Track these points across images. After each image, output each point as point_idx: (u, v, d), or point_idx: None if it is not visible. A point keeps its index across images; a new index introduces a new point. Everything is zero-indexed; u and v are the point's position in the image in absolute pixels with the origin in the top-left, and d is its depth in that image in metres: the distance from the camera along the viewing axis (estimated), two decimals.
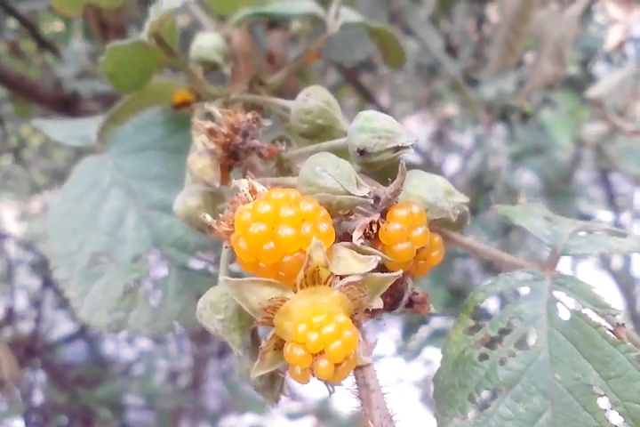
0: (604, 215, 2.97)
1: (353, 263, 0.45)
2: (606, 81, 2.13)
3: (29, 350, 2.76)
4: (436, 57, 2.30)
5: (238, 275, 0.51)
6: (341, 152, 0.52)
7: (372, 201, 0.47)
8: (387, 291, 0.51)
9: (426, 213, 0.51)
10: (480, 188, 2.78)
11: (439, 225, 0.59)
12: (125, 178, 0.75)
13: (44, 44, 1.91)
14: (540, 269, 0.56)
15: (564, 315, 0.53)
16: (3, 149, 2.74)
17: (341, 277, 0.45)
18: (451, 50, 2.51)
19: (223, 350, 3.34)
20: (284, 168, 0.59)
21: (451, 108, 3.42)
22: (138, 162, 0.76)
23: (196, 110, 0.67)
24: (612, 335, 0.50)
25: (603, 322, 0.51)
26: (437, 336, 2.74)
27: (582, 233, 0.59)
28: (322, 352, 0.41)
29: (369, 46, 1.32)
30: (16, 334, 2.75)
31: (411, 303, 0.52)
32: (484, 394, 0.51)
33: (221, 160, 0.57)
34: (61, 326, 3.23)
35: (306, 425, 2.90)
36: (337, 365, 0.41)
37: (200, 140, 0.58)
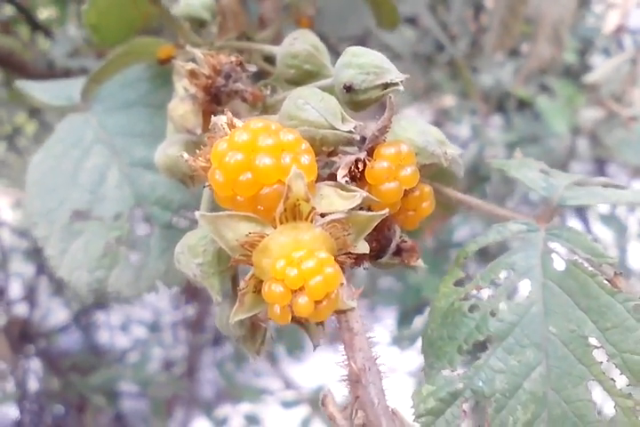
0: (601, 206, 2.96)
1: (336, 201, 0.43)
2: (603, 67, 2.11)
3: (23, 337, 2.75)
4: (435, 41, 2.28)
5: None
6: (329, 93, 0.50)
7: (357, 137, 0.44)
8: (373, 236, 0.49)
9: (416, 158, 0.48)
10: (476, 178, 2.76)
11: (431, 177, 0.57)
12: (109, 135, 0.72)
13: (38, 28, 1.89)
14: (534, 220, 0.54)
15: (559, 266, 0.51)
16: None
17: (324, 216, 0.42)
18: (449, 39, 2.48)
19: (218, 339, 3.32)
20: (269, 115, 0.56)
21: (448, 99, 3.40)
22: (122, 119, 0.73)
23: (179, 56, 0.64)
24: (609, 285, 0.48)
25: (599, 272, 0.49)
26: None
27: (579, 186, 0.56)
28: (302, 289, 0.39)
29: (363, 20, 1.30)
30: (10, 321, 2.73)
31: (399, 251, 0.50)
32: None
33: (203, 105, 0.54)
34: (56, 315, 3.21)
35: (301, 413, 2.88)
36: (317, 302, 0.39)
37: (181, 85, 0.56)
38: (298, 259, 0.39)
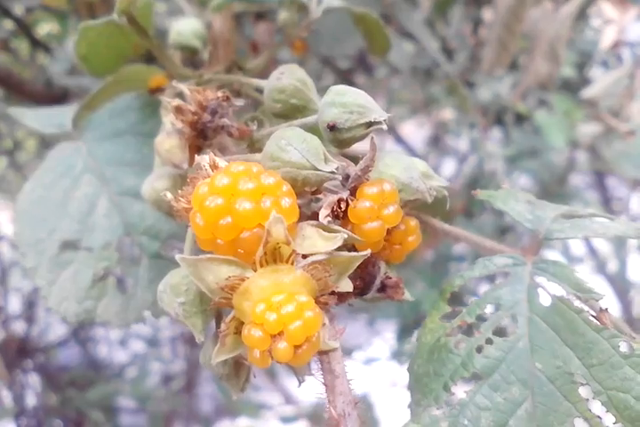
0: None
1: (318, 242, 0.43)
2: (601, 81, 2.12)
3: (21, 352, 2.74)
4: (432, 57, 2.29)
5: None
6: (314, 130, 0.50)
7: (340, 177, 0.44)
8: (357, 274, 0.49)
9: (400, 194, 0.48)
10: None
11: (417, 209, 0.57)
12: (99, 164, 0.72)
13: (38, 44, 1.90)
14: (521, 254, 0.54)
15: (546, 301, 0.50)
16: None
17: (305, 257, 0.42)
18: (447, 53, 2.50)
19: None
20: (256, 149, 0.56)
21: (447, 113, 3.42)
22: (112, 148, 0.73)
23: (167, 91, 0.64)
24: (595, 321, 0.48)
25: (586, 308, 0.48)
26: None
27: (565, 218, 0.56)
28: (281, 333, 0.38)
29: (358, 40, 1.30)
30: (8, 336, 2.72)
31: (383, 288, 0.50)
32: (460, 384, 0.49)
33: (190, 140, 0.54)
34: (55, 330, 3.20)
35: None
36: (297, 347, 0.39)
37: (168, 120, 0.56)
38: (277, 303, 0.39)
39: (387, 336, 3.04)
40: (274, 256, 0.40)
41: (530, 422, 0.47)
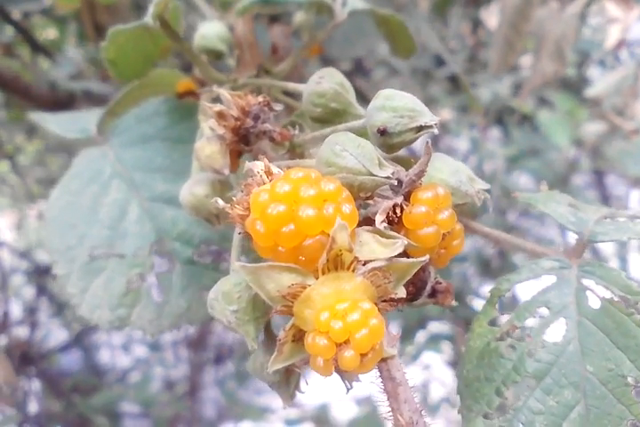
0: None
1: (377, 248, 0.42)
2: (605, 80, 2.13)
3: (24, 358, 2.72)
4: (433, 57, 2.29)
5: None
6: (360, 135, 0.49)
7: (395, 182, 0.44)
8: (409, 279, 0.48)
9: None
10: None
11: (458, 213, 0.57)
12: (127, 170, 0.72)
13: (39, 49, 1.89)
14: (566, 256, 0.53)
15: (594, 304, 0.50)
16: None
17: (364, 263, 0.42)
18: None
19: (220, 358, 3.30)
20: (297, 154, 0.56)
21: (446, 113, 3.42)
22: (140, 153, 0.73)
23: (204, 95, 0.64)
24: None
25: (636, 310, 0.48)
26: (435, 341, 2.71)
27: (608, 220, 0.56)
28: (347, 342, 0.38)
29: (370, 41, 1.30)
30: (11, 342, 2.70)
31: (434, 293, 0.50)
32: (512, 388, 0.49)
33: (231, 146, 0.54)
34: (57, 335, 3.18)
35: None
36: (363, 355, 0.38)
37: (208, 125, 0.55)
38: (342, 311, 0.38)
39: None
40: (335, 263, 0.40)
41: (583, 425, 0.47)
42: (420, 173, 0.45)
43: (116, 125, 0.76)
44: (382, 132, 0.46)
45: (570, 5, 1.70)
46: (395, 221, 0.45)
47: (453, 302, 0.52)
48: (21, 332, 2.89)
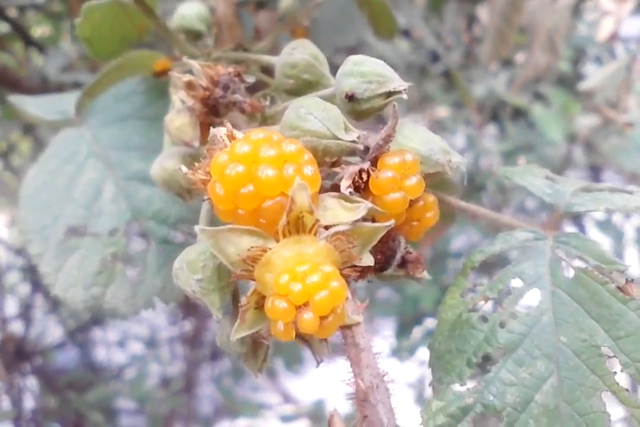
0: (597, 213, 2.97)
1: (340, 212, 0.41)
2: (598, 74, 2.12)
3: (19, 355, 2.71)
4: (428, 52, 2.28)
5: None
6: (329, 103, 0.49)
7: (361, 146, 0.43)
8: (378, 248, 0.48)
9: (420, 167, 0.47)
10: (472, 187, 2.76)
11: (434, 187, 0.56)
12: (104, 149, 0.71)
13: (32, 44, 1.89)
14: (542, 228, 0.53)
15: (569, 274, 0.49)
16: None
17: (328, 228, 0.41)
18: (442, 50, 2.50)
19: (216, 354, 3.29)
20: (268, 126, 0.55)
21: (442, 110, 3.42)
22: (117, 132, 0.72)
23: (176, 69, 0.63)
24: (621, 292, 0.47)
25: (610, 279, 0.48)
26: (431, 337, 2.70)
27: (586, 191, 0.55)
28: (306, 304, 0.37)
29: (358, 29, 1.29)
30: (5, 339, 2.70)
31: (404, 263, 0.49)
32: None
33: (201, 117, 0.53)
34: (52, 332, 3.17)
35: None
36: (323, 318, 0.37)
37: (178, 97, 0.54)
38: (302, 273, 0.37)
39: (386, 334, 3.03)
40: (297, 226, 0.39)
41: (556, 396, 0.46)
42: (387, 138, 0.44)
43: (93, 106, 0.75)
44: (350, 98, 0.46)
45: None
46: (361, 188, 0.44)
47: (425, 275, 0.51)
48: (16, 328, 2.88)
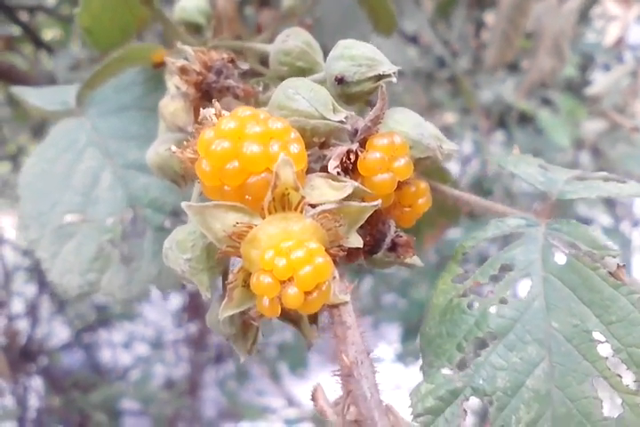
0: (604, 220, 2.95)
1: (327, 191, 0.41)
2: (605, 79, 2.11)
3: (25, 355, 2.72)
4: (436, 58, 2.29)
5: None
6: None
7: (349, 127, 0.43)
8: (367, 230, 0.48)
9: (410, 151, 0.47)
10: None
11: (428, 175, 0.56)
12: (103, 138, 0.72)
13: (42, 46, 1.91)
14: (535, 215, 0.52)
15: (561, 260, 0.49)
16: (1, 156, 2.73)
17: (315, 207, 0.41)
18: (450, 55, 2.50)
19: (221, 357, 3.29)
20: None
21: (450, 116, 3.42)
22: (116, 122, 0.73)
23: (172, 55, 0.64)
24: (613, 278, 0.46)
25: (602, 265, 0.47)
26: None
27: (579, 180, 0.55)
28: (291, 279, 0.37)
29: (363, 29, 1.30)
30: (11, 339, 2.71)
31: (394, 247, 0.48)
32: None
33: (194, 102, 0.54)
34: (59, 333, 3.19)
35: None
36: (307, 293, 0.37)
37: (173, 83, 0.55)
38: (287, 249, 0.37)
39: (391, 339, 3.02)
40: (282, 203, 0.39)
41: (547, 382, 0.46)
42: (376, 120, 0.44)
43: (93, 96, 0.75)
44: (340, 81, 0.46)
45: (568, 1, 1.69)
46: (350, 169, 0.44)
47: (415, 260, 0.51)
48: (23, 329, 2.89)
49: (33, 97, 0.80)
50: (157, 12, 0.66)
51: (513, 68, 2.61)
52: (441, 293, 0.50)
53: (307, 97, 0.43)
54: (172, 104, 0.54)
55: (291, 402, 3.15)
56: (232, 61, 0.54)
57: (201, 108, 0.45)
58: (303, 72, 0.55)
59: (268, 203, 0.39)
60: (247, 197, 0.40)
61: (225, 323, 0.45)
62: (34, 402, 2.84)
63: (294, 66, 0.55)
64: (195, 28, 0.74)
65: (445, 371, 0.47)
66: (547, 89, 2.48)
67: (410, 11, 1.80)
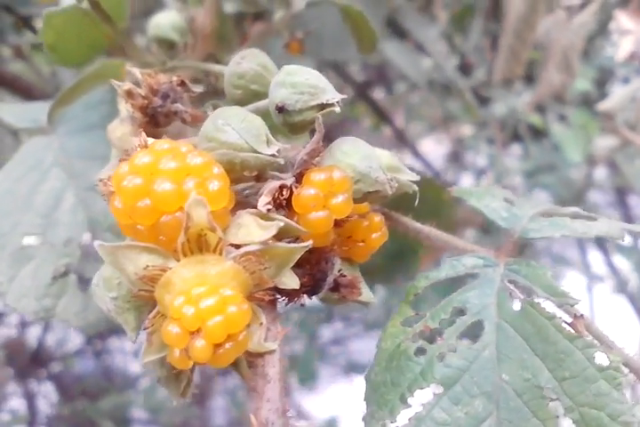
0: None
1: (254, 231, 0.39)
2: (617, 94, 2.05)
3: (34, 361, 2.73)
4: (447, 73, 2.25)
5: None
6: (268, 115, 0.46)
7: (281, 161, 0.40)
8: (307, 270, 0.45)
9: (358, 185, 0.44)
10: None
11: (383, 204, 0.53)
12: (69, 158, 0.70)
13: None
14: (494, 255, 0.49)
15: (516, 306, 0.45)
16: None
17: (239, 248, 0.38)
18: (465, 67, 2.46)
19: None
20: None
21: (465, 129, 3.38)
22: (84, 141, 0.71)
23: (126, 77, 0.62)
24: (569, 328, 0.43)
25: (558, 314, 0.43)
26: None
27: (546, 216, 0.51)
28: (200, 330, 0.34)
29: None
30: (18, 344, 2.73)
31: (336, 287, 0.45)
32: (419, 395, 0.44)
33: (142, 126, 0.51)
34: (72, 340, 3.20)
35: None
36: (217, 345, 0.35)
37: (123, 107, 0.53)
38: (197, 296, 0.35)
39: None
40: (199, 245, 0.37)
41: None
42: (312, 153, 0.41)
43: (64, 114, 0.74)
44: (280, 110, 0.43)
45: (578, 15, 1.65)
46: (283, 205, 0.41)
47: (365, 298, 0.48)
48: (33, 335, 2.91)
49: (5, 113, 0.79)
50: (116, 29, 0.64)
51: (529, 80, 2.56)
52: (389, 336, 0.47)
53: (237, 128, 0.40)
54: (120, 128, 0.52)
55: (300, 415, 3.12)
56: (182, 84, 0.52)
57: (133, 138, 0.43)
58: (258, 96, 0.53)
59: (181, 244, 0.36)
60: (161, 237, 0.37)
61: (155, 366, 0.43)
62: (44, 408, 2.85)
63: (248, 89, 0.53)
64: (168, 45, 0.73)
65: (386, 424, 0.43)
66: (563, 104, 2.43)
67: (418, 23, 1.77)
